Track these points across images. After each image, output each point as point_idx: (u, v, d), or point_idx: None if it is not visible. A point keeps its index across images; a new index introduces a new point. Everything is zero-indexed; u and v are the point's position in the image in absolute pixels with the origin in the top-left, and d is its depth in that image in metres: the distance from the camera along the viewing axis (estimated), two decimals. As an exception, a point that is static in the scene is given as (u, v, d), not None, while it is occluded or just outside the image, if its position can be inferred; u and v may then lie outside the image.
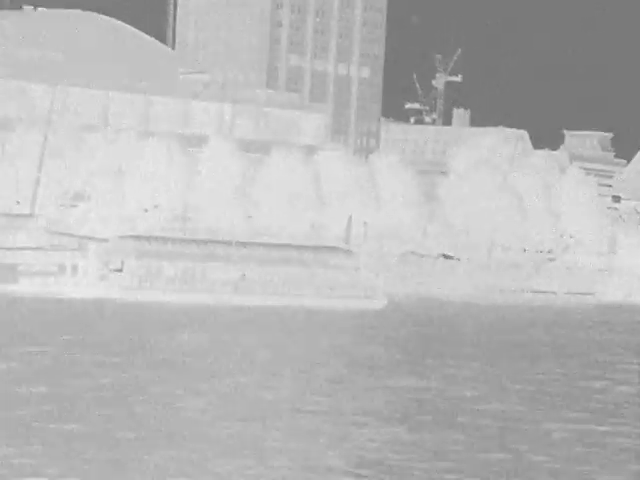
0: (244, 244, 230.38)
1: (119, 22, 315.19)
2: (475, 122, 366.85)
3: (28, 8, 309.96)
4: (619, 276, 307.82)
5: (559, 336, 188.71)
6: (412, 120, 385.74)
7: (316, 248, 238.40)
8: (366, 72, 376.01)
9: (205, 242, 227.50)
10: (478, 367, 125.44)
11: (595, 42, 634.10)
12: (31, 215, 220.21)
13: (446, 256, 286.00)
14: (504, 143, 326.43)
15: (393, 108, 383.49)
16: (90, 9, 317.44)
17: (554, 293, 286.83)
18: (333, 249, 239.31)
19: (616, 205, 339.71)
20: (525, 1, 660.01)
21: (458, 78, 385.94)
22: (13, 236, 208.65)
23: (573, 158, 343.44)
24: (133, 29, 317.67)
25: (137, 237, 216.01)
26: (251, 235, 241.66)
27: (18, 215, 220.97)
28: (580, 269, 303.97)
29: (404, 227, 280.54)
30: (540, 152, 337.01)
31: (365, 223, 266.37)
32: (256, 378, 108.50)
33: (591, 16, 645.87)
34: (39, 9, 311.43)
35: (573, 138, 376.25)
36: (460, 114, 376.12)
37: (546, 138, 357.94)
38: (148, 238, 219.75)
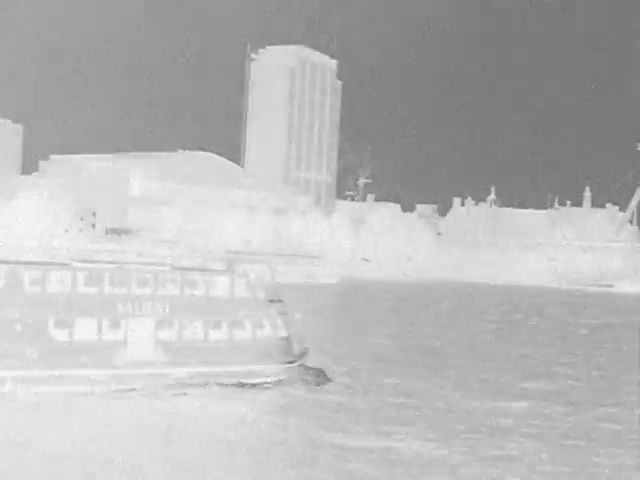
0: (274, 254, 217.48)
1: (220, 158, 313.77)
2: (377, 200, 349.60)
3: (181, 151, 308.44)
4: (442, 268, 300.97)
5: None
6: (349, 199, 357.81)
7: (304, 255, 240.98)
8: (329, 178, 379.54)
9: (262, 254, 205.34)
10: (385, 309, 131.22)
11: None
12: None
13: (364, 259, 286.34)
14: (390, 210, 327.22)
15: (341, 194, 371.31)
16: (207, 150, 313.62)
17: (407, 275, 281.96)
18: (313, 255, 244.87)
19: (439, 237, 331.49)
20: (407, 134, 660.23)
21: (370, 180, 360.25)
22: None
23: (421, 217, 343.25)
24: (224, 160, 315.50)
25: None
26: (278, 249, 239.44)
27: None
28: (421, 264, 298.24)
29: (345, 244, 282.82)
30: (406, 214, 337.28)
31: (324, 248, 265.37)
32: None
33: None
34: (185, 151, 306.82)
35: (420, 207, 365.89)
36: (370, 197, 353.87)
37: (407, 208, 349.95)
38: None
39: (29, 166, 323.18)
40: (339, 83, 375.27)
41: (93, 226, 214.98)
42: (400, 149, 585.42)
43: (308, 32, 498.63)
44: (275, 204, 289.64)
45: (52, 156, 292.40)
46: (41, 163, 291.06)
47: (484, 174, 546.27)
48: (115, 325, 48.50)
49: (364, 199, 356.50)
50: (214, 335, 50.79)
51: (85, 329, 47.56)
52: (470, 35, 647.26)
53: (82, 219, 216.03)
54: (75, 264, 49.82)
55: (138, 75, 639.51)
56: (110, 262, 51.75)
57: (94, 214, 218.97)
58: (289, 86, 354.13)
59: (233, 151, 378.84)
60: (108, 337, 48.10)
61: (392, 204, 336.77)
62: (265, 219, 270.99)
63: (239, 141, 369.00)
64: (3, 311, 46.01)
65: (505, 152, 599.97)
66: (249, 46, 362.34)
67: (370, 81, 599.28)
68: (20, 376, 45.22)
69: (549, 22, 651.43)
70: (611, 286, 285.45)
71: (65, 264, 49.89)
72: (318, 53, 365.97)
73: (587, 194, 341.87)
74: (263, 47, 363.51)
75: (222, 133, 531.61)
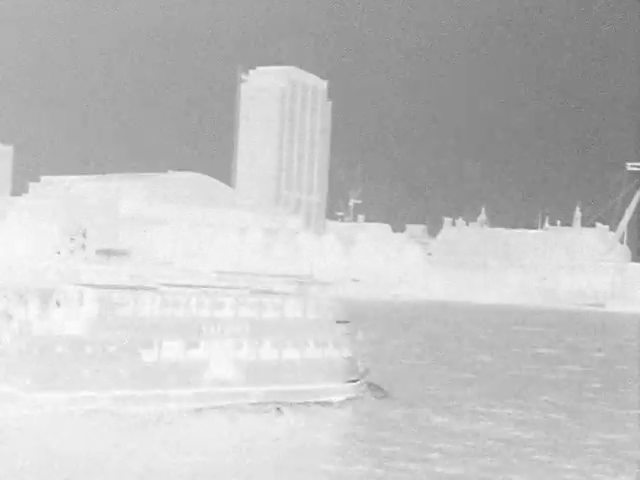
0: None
1: (211, 178, 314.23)
2: (368, 220, 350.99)
3: (171, 172, 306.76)
4: (432, 288, 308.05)
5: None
6: (339, 220, 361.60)
7: (297, 275, 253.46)
8: (320, 198, 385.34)
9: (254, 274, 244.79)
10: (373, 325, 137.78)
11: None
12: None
13: (354, 279, 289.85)
14: (380, 230, 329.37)
15: (331, 214, 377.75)
16: (197, 170, 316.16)
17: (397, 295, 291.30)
18: (303, 275, 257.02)
19: (429, 257, 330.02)
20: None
21: (360, 201, 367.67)
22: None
23: (410, 237, 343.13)
24: (215, 180, 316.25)
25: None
26: (267, 269, 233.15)
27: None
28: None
29: (336, 264, 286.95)
30: (396, 234, 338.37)
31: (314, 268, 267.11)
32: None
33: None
34: (176, 172, 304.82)
35: (410, 227, 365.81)
36: (360, 217, 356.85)
37: (398, 228, 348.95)
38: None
39: (19, 187, 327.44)
40: (329, 103, 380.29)
41: (83, 247, 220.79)
42: (390, 169, 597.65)
43: (298, 53, 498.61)
44: (265, 224, 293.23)
45: (42, 177, 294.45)
46: (31, 184, 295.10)
47: (475, 194, 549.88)
48: (198, 346, 52.59)
49: (354, 219, 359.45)
50: (287, 355, 55.55)
51: (171, 350, 51.57)
52: (461, 59, 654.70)
53: (72, 240, 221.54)
54: (162, 288, 53.49)
55: (128, 96, 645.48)
56: (191, 285, 55.20)
57: (84, 235, 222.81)
58: (279, 107, 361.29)
59: (223, 171, 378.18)
60: (192, 358, 52.07)
61: (382, 224, 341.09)
62: (255, 239, 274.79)
63: (230, 161, 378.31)
64: (97, 333, 49.73)
65: (495, 172, 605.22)
66: (240, 67, 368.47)
67: (360, 101, 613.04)
68: (114, 395, 48.89)
69: (540, 46, 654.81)
70: (602, 305, 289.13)
71: (152, 288, 53.67)
72: (308, 73, 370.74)
73: (577, 214, 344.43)
74: (253, 68, 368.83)
75: (212, 153, 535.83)
